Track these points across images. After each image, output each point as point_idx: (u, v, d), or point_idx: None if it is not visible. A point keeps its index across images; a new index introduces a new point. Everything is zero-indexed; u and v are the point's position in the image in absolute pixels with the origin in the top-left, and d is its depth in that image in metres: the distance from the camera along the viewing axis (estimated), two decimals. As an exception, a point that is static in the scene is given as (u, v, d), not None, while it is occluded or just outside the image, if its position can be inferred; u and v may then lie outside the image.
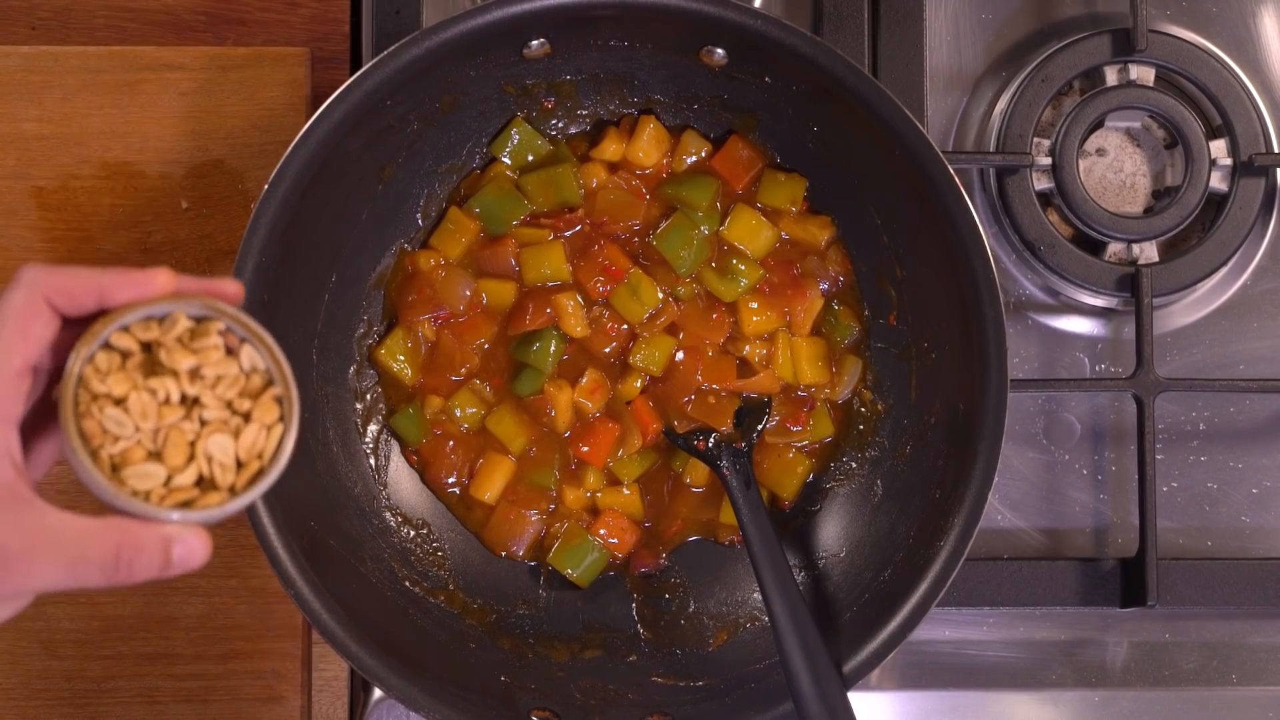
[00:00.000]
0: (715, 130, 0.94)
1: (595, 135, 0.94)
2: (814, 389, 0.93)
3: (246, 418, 0.66)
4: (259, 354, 0.66)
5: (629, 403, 0.93)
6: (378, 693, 0.93)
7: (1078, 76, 0.98)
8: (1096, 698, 0.96)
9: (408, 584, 0.90)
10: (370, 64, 0.82)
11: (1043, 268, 0.97)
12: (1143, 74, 0.98)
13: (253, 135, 0.95)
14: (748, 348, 0.92)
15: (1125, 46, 0.97)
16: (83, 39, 0.98)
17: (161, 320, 0.65)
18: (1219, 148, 0.97)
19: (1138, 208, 1.00)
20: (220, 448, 0.65)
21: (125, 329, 0.65)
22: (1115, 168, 1.00)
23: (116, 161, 0.95)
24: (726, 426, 0.92)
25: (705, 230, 0.92)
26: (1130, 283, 0.96)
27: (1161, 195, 1.00)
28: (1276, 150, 0.98)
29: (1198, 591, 0.95)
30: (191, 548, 0.64)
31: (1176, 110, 0.97)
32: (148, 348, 0.65)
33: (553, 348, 0.91)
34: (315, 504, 0.87)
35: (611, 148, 0.93)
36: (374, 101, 0.83)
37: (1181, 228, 0.98)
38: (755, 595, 0.91)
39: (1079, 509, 0.98)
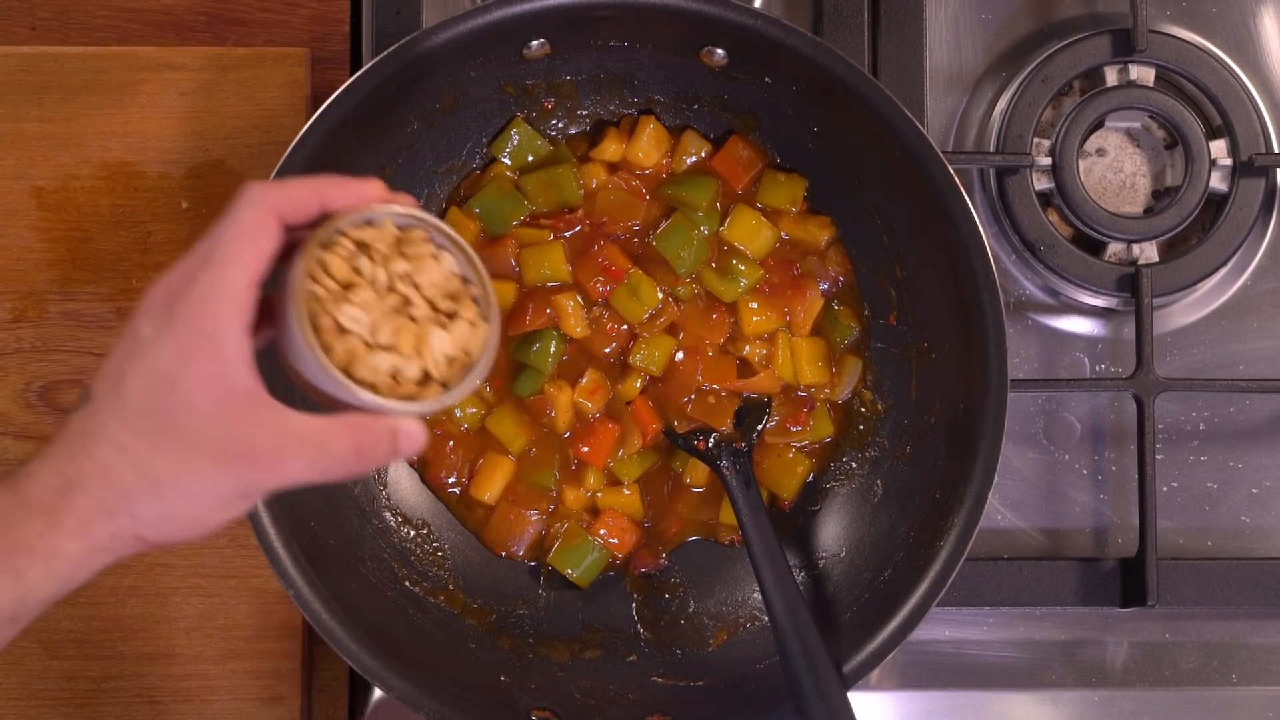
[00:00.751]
0: (715, 130, 0.94)
1: (595, 135, 0.94)
2: (814, 389, 0.93)
3: (451, 317, 0.69)
4: (456, 260, 0.71)
5: (629, 403, 0.93)
6: (378, 693, 0.93)
7: (1078, 76, 0.98)
8: (1096, 698, 0.96)
9: (408, 584, 0.90)
10: (370, 64, 0.82)
11: (1043, 268, 0.97)
12: (1143, 74, 0.98)
13: (253, 135, 0.95)
14: (748, 348, 0.92)
15: (1125, 46, 0.97)
16: (83, 39, 0.98)
17: (374, 225, 0.69)
18: (1219, 148, 0.97)
19: (1138, 208, 1.00)
20: (440, 342, 0.68)
21: (343, 233, 0.68)
22: (1115, 168, 1.00)
23: (116, 161, 0.95)
24: (726, 426, 0.92)
25: (705, 230, 0.92)
26: (1130, 283, 0.96)
27: (1161, 195, 1.00)
28: (1276, 150, 0.98)
29: (1198, 591, 0.95)
30: (415, 436, 0.68)
31: (1176, 110, 0.97)
32: (361, 252, 0.68)
33: (553, 348, 0.91)
34: (315, 504, 0.87)
35: (611, 148, 0.93)
36: (374, 101, 0.83)
37: (1181, 228, 0.98)
38: (755, 595, 0.91)
39: (1079, 509, 0.98)
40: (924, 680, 0.96)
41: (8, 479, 0.64)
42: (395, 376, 0.68)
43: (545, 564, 0.93)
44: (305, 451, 0.65)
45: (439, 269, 0.70)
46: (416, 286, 0.69)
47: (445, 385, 0.69)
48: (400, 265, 0.69)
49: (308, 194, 0.67)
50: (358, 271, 0.68)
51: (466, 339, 0.70)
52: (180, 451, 0.63)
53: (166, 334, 0.64)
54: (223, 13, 0.99)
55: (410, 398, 0.68)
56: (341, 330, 0.67)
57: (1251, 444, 0.98)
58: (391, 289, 0.69)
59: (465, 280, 0.71)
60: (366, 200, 0.69)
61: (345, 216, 0.68)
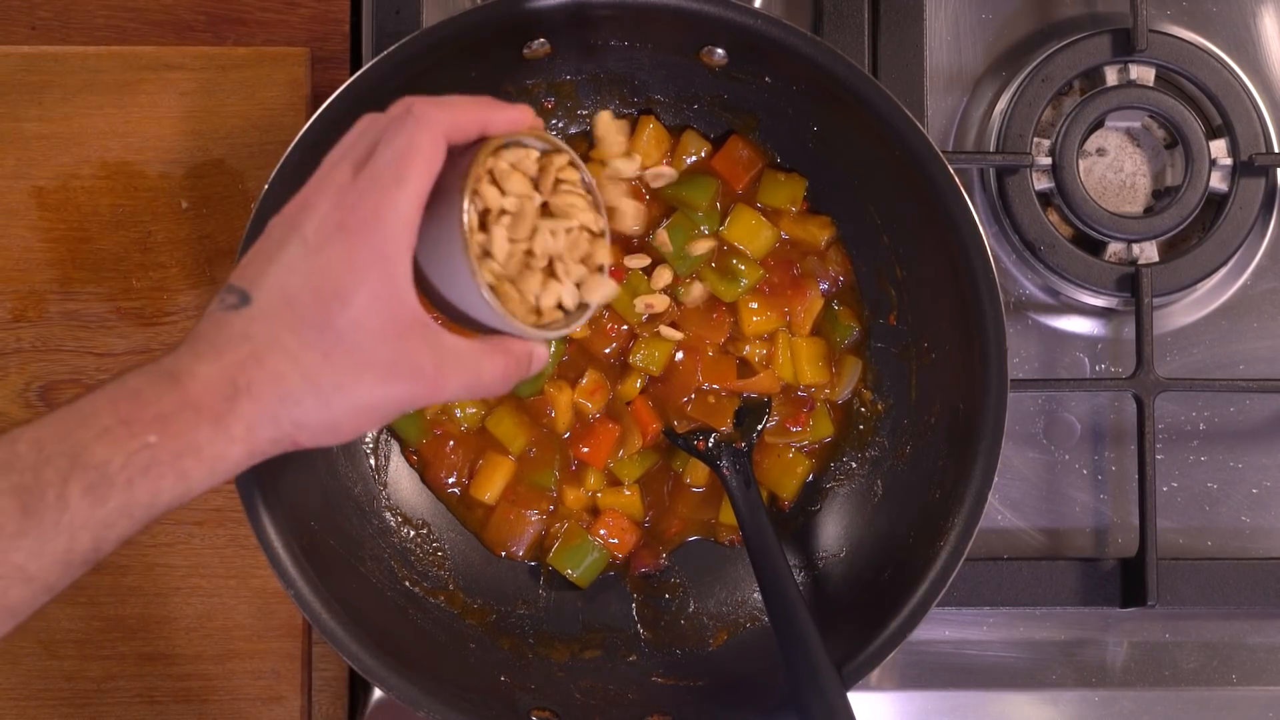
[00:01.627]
0: (715, 130, 0.94)
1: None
2: (814, 389, 0.93)
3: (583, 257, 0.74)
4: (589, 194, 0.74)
5: (629, 403, 0.93)
6: (378, 693, 0.93)
7: (1078, 76, 0.98)
8: (1096, 698, 0.96)
9: (408, 584, 0.90)
10: (370, 64, 0.82)
11: (1043, 268, 0.97)
12: (1143, 74, 0.98)
13: (253, 135, 0.95)
14: (748, 348, 0.92)
15: (1125, 46, 0.97)
16: (83, 39, 0.98)
17: (524, 147, 0.72)
18: (1219, 148, 0.97)
19: (1138, 208, 1.00)
20: (574, 278, 0.72)
21: (495, 159, 0.70)
22: (1115, 168, 1.00)
23: (116, 161, 0.95)
24: (726, 426, 0.92)
25: (705, 230, 0.92)
26: (1130, 283, 0.96)
27: (1161, 195, 1.00)
28: (1276, 150, 0.98)
29: (1198, 591, 0.95)
30: (543, 358, 0.73)
31: (1176, 110, 0.97)
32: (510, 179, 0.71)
33: (552, 348, 0.91)
34: (315, 504, 0.87)
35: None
36: (374, 101, 0.83)
37: (1181, 228, 0.98)
38: (755, 595, 0.91)
39: (1079, 509, 0.98)
40: (924, 680, 0.96)
41: (162, 367, 0.64)
42: (526, 301, 0.71)
43: (545, 564, 0.93)
44: (463, 373, 0.68)
45: (585, 200, 0.73)
46: (572, 215, 0.72)
47: (567, 312, 0.73)
48: (555, 198, 0.72)
49: (471, 117, 0.69)
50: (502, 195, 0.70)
51: (587, 273, 0.73)
52: (351, 367, 0.65)
53: (338, 248, 0.65)
54: (223, 12, 0.99)
55: (533, 321, 0.71)
56: (487, 255, 0.69)
57: (1251, 444, 0.98)
58: (540, 218, 0.71)
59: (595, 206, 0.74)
60: (523, 125, 0.71)
61: (498, 141, 0.70)
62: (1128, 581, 0.95)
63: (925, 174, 0.83)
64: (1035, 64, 0.98)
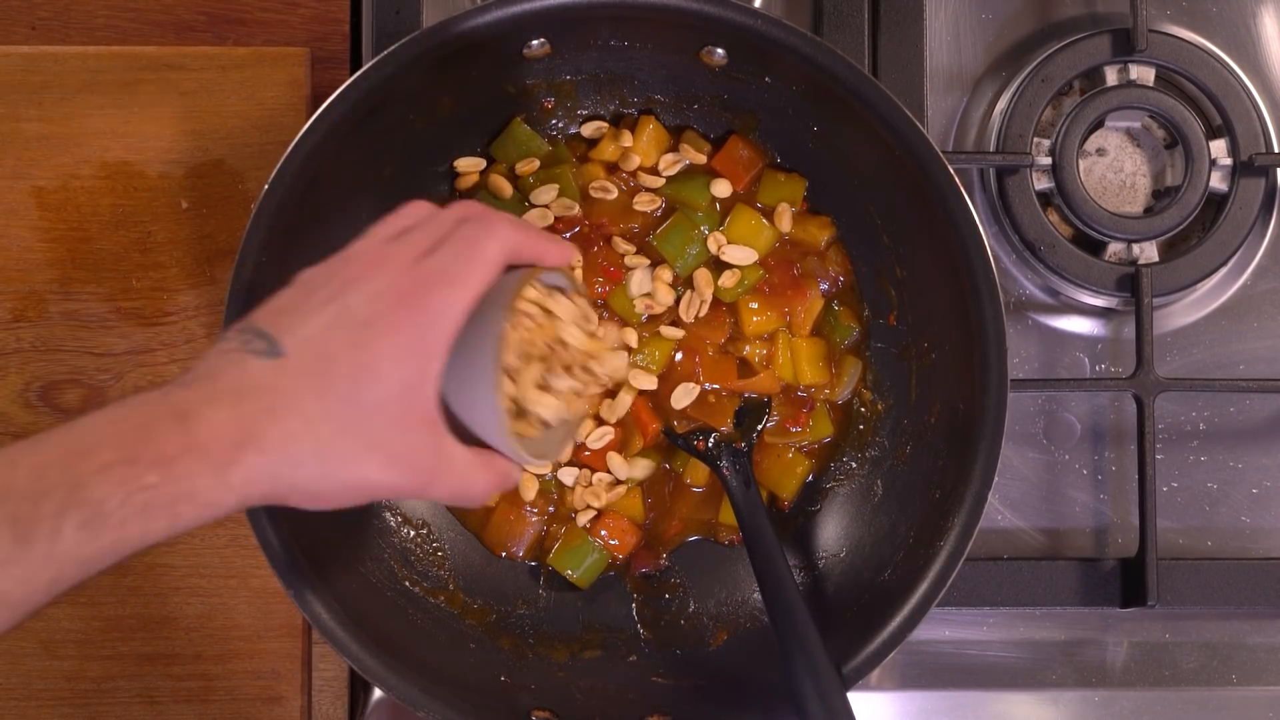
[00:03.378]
0: (715, 130, 0.94)
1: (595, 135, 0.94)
2: (814, 389, 0.93)
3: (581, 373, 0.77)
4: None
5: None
6: (378, 693, 0.93)
7: (1078, 76, 0.98)
8: (1096, 698, 0.96)
9: (408, 584, 0.90)
10: (370, 64, 0.82)
11: (1043, 268, 0.97)
12: (1143, 74, 0.98)
13: (253, 135, 0.95)
14: (748, 348, 0.92)
15: (1125, 46, 0.97)
16: (83, 39, 0.98)
17: (551, 288, 0.75)
18: (1219, 148, 0.97)
19: (1138, 208, 1.00)
20: (568, 403, 0.75)
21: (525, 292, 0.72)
22: (1115, 168, 1.00)
23: (116, 161, 0.95)
24: (726, 426, 0.92)
25: (705, 230, 0.92)
26: (1130, 283, 0.96)
27: (1161, 195, 1.00)
28: (1276, 150, 0.98)
29: (1198, 591, 0.95)
30: (519, 477, 0.76)
31: (1176, 110, 0.97)
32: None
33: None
34: (315, 504, 0.87)
35: (610, 148, 0.92)
36: (374, 101, 0.83)
37: (1181, 228, 0.98)
38: (755, 595, 0.91)
39: (1079, 509, 0.98)
40: (924, 680, 0.96)
41: (171, 402, 0.63)
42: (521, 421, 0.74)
43: (545, 564, 0.93)
44: (453, 480, 0.69)
45: (582, 336, 0.75)
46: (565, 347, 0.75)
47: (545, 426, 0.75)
48: (582, 336, 0.75)
49: (534, 245, 0.71)
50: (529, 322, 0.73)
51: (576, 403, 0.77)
52: (360, 446, 0.65)
53: (386, 327, 0.65)
54: (223, 12, 0.99)
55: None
56: (509, 379, 0.71)
57: (1251, 444, 0.98)
58: (551, 349, 0.74)
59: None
60: (568, 262, 0.74)
61: (535, 272, 0.72)
62: (1128, 581, 0.95)
63: (925, 174, 0.83)
64: (1035, 64, 0.98)
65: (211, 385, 0.63)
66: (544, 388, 0.74)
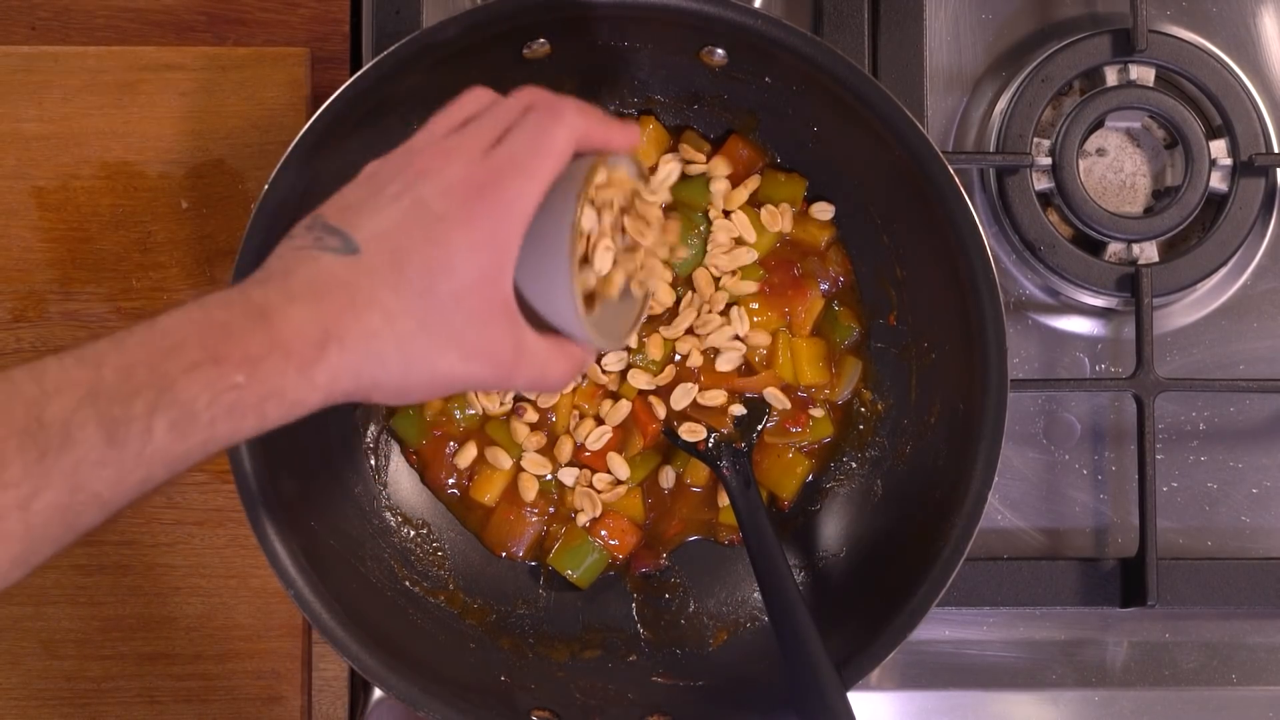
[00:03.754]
0: (715, 130, 0.94)
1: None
2: (814, 389, 0.93)
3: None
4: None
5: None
6: (378, 693, 0.93)
7: (1078, 76, 0.98)
8: (1096, 698, 0.96)
9: (408, 584, 0.90)
10: (370, 64, 0.82)
11: (1043, 268, 0.97)
12: (1143, 74, 0.98)
13: (253, 135, 0.95)
14: (747, 348, 0.92)
15: (1125, 46, 0.97)
16: (83, 39, 0.98)
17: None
18: (1219, 148, 0.97)
19: (1138, 208, 1.00)
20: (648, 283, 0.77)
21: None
22: (1115, 168, 1.00)
23: (116, 161, 0.95)
24: (726, 426, 0.92)
25: (705, 230, 0.92)
26: (1130, 283, 0.96)
27: (1161, 195, 1.00)
28: (1276, 150, 0.98)
29: (1198, 591, 0.95)
30: (590, 361, 0.76)
31: (1176, 110, 0.97)
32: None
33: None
34: (315, 504, 0.87)
35: (611, 148, 0.92)
36: (373, 102, 0.83)
37: (1181, 228, 0.98)
38: (755, 595, 0.91)
39: (1079, 509, 0.98)
40: (924, 680, 0.96)
41: (252, 300, 0.62)
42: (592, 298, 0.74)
43: (545, 564, 0.93)
44: (533, 369, 0.69)
45: (654, 211, 0.76)
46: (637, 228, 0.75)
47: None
48: (652, 214, 0.75)
49: (601, 130, 0.70)
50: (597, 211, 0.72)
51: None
52: (441, 340, 0.65)
53: (459, 220, 0.65)
54: (223, 12, 0.99)
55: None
56: (583, 266, 0.71)
57: (1251, 444, 0.98)
58: (621, 228, 0.74)
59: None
60: (635, 145, 0.73)
61: (604, 158, 0.72)
62: (1128, 581, 0.94)
63: (925, 174, 0.83)
64: (1035, 64, 0.98)
65: (287, 283, 0.63)
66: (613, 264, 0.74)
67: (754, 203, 0.93)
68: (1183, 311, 0.99)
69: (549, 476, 0.93)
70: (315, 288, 0.63)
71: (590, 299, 0.73)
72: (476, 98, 0.72)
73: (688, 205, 0.92)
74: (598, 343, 0.73)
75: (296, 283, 0.63)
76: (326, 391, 0.63)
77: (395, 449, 0.93)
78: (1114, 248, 0.98)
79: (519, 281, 0.69)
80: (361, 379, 0.64)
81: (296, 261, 0.64)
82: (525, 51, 0.87)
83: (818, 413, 0.93)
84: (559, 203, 0.69)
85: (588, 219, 0.71)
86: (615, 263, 0.74)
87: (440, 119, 0.71)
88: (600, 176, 0.72)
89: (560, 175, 0.69)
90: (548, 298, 0.70)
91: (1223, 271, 0.98)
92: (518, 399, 0.92)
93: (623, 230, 0.75)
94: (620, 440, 0.92)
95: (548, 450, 0.93)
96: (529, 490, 0.92)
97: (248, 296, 0.63)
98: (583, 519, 0.92)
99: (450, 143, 0.68)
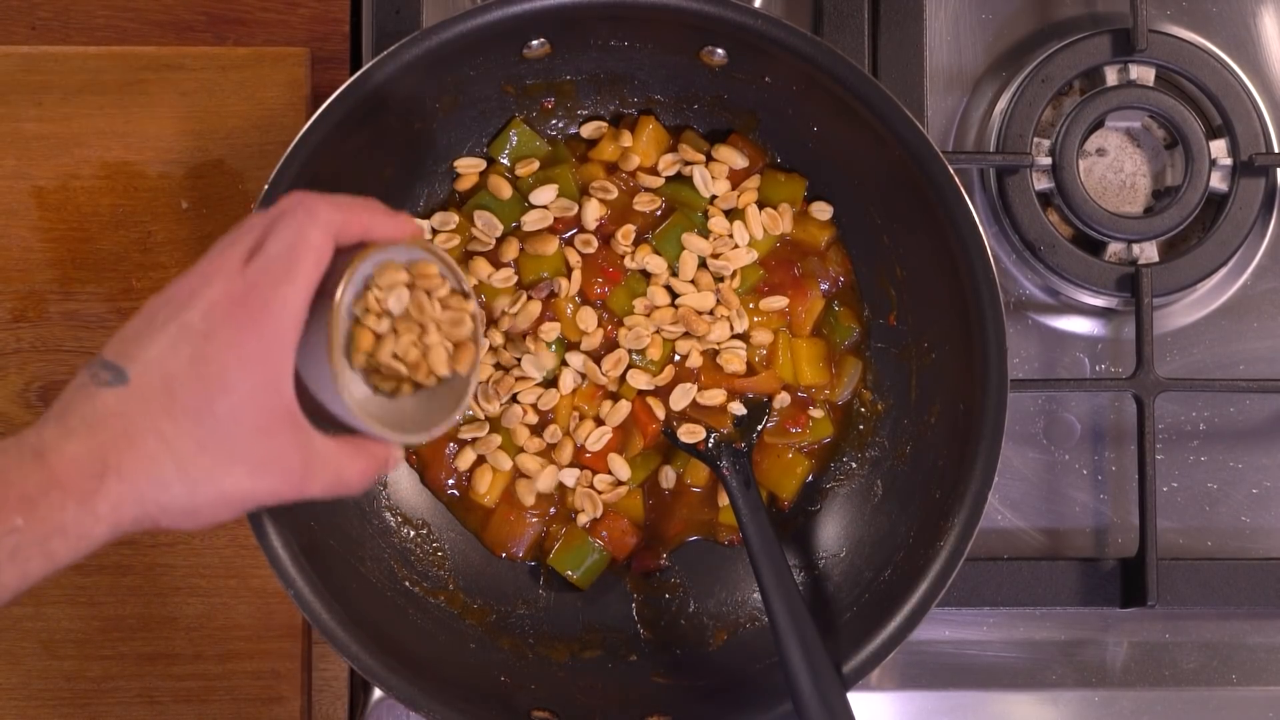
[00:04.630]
0: (715, 130, 0.94)
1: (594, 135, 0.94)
2: (814, 389, 0.93)
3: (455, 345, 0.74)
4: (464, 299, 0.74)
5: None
6: (378, 693, 0.93)
7: (1078, 76, 0.98)
8: (1096, 698, 0.96)
9: (408, 584, 0.90)
10: (370, 64, 0.82)
11: (1043, 268, 0.97)
12: (1143, 74, 0.98)
13: (253, 135, 0.95)
14: (748, 348, 0.92)
15: (1125, 46, 0.97)
16: (83, 39, 0.98)
17: (406, 264, 0.72)
18: (1219, 148, 0.97)
19: (1138, 208, 1.00)
20: (438, 372, 0.73)
21: (376, 268, 0.70)
22: (1115, 168, 1.00)
23: (116, 161, 0.95)
24: (726, 426, 0.92)
25: (704, 227, 0.92)
26: (1130, 283, 0.96)
27: (1161, 195, 1.00)
28: (1276, 150, 0.98)
29: (1198, 591, 0.95)
30: (399, 458, 0.74)
31: (1176, 110, 0.97)
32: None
33: (553, 352, 0.91)
34: (315, 504, 0.86)
35: (610, 148, 0.92)
36: (374, 102, 0.83)
37: (1181, 228, 0.98)
38: (755, 595, 0.91)
39: (1079, 509, 0.98)
40: (924, 680, 0.96)
41: (27, 444, 0.63)
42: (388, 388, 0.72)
43: (545, 564, 0.93)
44: (327, 473, 0.69)
45: (449, 308, 0.73)
46: (423, 324, 0.72)
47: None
48: (436, 310, 0.72)
49: (359, 220, 0.70)
50: (379, 305, 0.71)
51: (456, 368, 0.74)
52: (224, 458, 0.65)
53: (225, 337, 0.65)
54: (223, 13, 0.99)
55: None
56: (361, 353, 0.70)
57: (1251, 444, 0.98)
58: (407, 320, 0.72)
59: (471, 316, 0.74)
60: (406, 236, 0.72)
61: (381, 250, 0.70)
62: (1128, 581, 0.95)
63: (925, 174, 0.83)
64: (1035, 64, 0.98)
65: (64, 422, 0.64)
66: (394, 359, 0.72)
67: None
68: (1183, 311, 0.99)
69: (550, 489, 0.92)
70: (90, 422, 0.64)
71: (400, 387, 0.72)
72: (248, 218, 0.71)
73: (688, 205, 0.92)
74: (384, 435, 0.71)
75: (73, 419, 0.64)
76: (111, 522, 0.63)
77: (395, 449, 0.93)
78: (1114, 248, 0.98)
79: (310, 384, 0.69)
80: (146, 505, 0.64)
81: (73, 400, 0.65)
82: (525, 51, 0.87)
83: (818, 413, 0.93)
84: (325, 302, 0.68)
85: (375, 307, 0.70)
86: (423, 347, 0.72)
87: (214, 245, 0.70)
88: (365, 266, 0.70)
89: (330, 275, 0.68)
90: (329, 396, 0.70)
91: (1223, 271, 0.98)
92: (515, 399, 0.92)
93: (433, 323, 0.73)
94: (620, 441, 0.92)
95: (548, 453, 0.93)
96: (528, 495, 0.92)
97: (23, 440, 0.63)
98: (583, 519, 0.92)
99: (208, 264, 0.68)
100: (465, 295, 0.74)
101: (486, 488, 0.92)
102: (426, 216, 0.92)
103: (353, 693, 0.95)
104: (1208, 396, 0.98)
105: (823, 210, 0.92)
